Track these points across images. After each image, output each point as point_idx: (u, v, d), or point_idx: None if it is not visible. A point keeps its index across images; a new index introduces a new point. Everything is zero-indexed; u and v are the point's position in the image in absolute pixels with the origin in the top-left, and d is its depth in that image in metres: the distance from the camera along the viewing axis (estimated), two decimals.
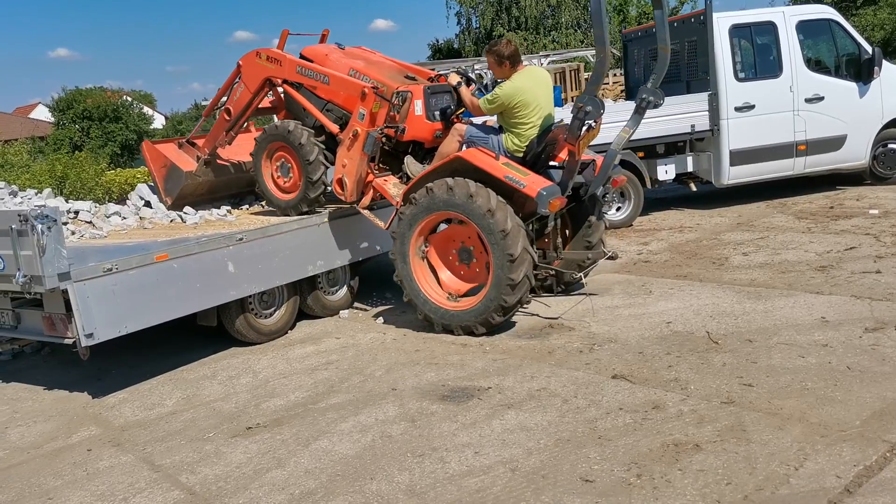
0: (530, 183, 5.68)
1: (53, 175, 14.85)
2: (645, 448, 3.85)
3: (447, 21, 43.19)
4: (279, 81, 6.94)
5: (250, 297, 6.18)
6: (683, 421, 4.11)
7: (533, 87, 6.05)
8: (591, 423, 4.20)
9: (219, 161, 7.64)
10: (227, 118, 7.29)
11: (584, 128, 5.73)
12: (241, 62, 7.10)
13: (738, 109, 9.84)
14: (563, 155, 6.05)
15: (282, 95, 7.22)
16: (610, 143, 6.49)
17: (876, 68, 10.05)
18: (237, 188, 7.92)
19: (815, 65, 10.37)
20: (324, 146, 6.67)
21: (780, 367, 4.71)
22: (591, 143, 6.15)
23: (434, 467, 3.91)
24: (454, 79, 6.50)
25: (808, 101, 9.98)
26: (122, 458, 4.49)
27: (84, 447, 4.73)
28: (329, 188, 6.74)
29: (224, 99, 7.47)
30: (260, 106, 7.42)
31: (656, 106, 6.27)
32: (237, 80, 7.19)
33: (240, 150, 7.63)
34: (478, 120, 6.78)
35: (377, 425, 4.51)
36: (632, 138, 9.39)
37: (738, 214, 9.93)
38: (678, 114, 9.75)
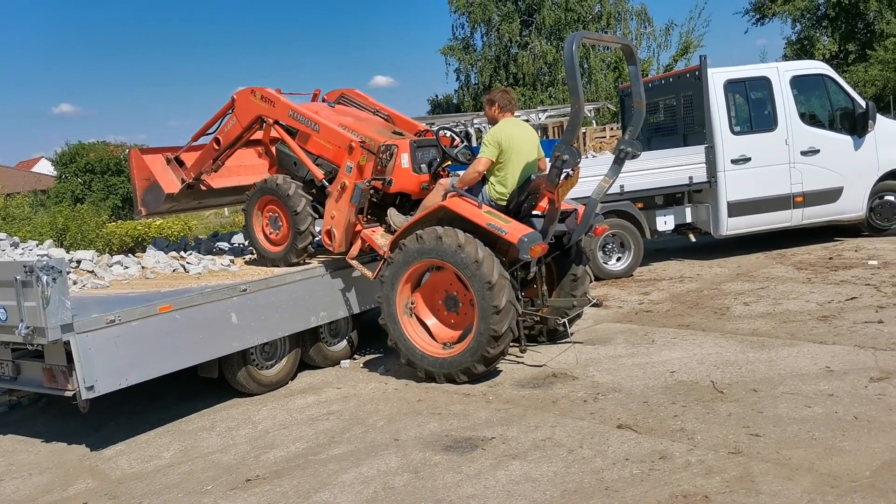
0: (512, 230, 5.79)
1: (55, 227, 14.95)
2: (653, 499, 3.79)
3: (446, 77, 44.15)
4: (271, 122, 7.06)
5: (252, 348, 6.15)
6: (691, 471, 4.05)
7: (517, 132, 6.25)
8: (598, 474, 4.14)
9: (202, 186, 7.77)
10: (216, 148, 7.43)
11: (563, 176, 5.86)
12: (235, 96, 7.24)
13: (734, 162, 9.97)
14: (545, 204, 6.21)
15: (274, 151, 7.35)
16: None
17: (870, 122, 10.21)
18: (214, 206, 8.02)
19: (809, 119, 10.54)
20: (312, 199, 6.80)
21: (787, 416, 4.66)
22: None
23: None
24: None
25: (803, 153, 10.12)
26: None
27: (80, 500, 4.64)
28: (317, 239, 6.85)
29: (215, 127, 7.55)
30: (252, 138, 7.54)
31: (634, 157, 6.45)
32: (230, 112, 7.31)
33: (224, 171, 7.77)
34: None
35: (379, 476, 4.44)
36: (632, 190, 9.70)
37: (737, 265, 9.97)
38: (676, 166, 9.89)
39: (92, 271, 6.99)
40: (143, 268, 7.22)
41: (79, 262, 7.15)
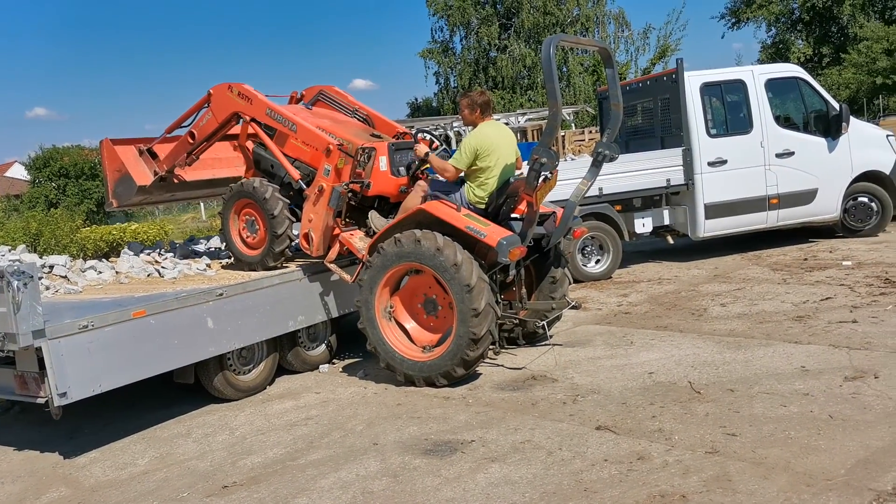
0: (490, 233, 5.79)
1: (28, 232, 14.71)
2: (631, 500, 3.79)
3: (426, 80, 43.98)
4: (247, 119, 7.01)
5: (229, 353, 6.09)
6: (669, 471, 4.06)
7: (496, 136, 6.24)
8: (577, 476, 4.14)
9: (175, 179, 7.68)
10: (190, 142, 7.35)
11: (541, 178, 5.87)
12: (211, 91, 7.15)
13: (710, 164, 10.05)
14: (524, 207, 6.21)
15: (250, 154, 7.30)
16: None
17: (844, 124, 10.34)
18: (187, 199, 7.89)
19: (784, 121, 10.67)
20: (290, 202, 6.76)
21: (763, 416, 4.70)
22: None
23: None
24: (422, 150, 6.59)
25: (778, 156, 10.23)
26: None
27: None
28: (295, 242, 6.79)
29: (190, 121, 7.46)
30: (228, 133, 7.47)
31: (612, 159, 6.48)
32: (206, 106, 7.24)
33: (198, 163, 7.68)
34: None
35: (358, 481, 4.41)
36: (610, 192, 9.75)
37: (714, 266, 10.05)
38: (654, 168, 9.95)
39: (65, 276, 6.89)
40: (117, 272, 7.12)
41: (51, 267, 7.04)
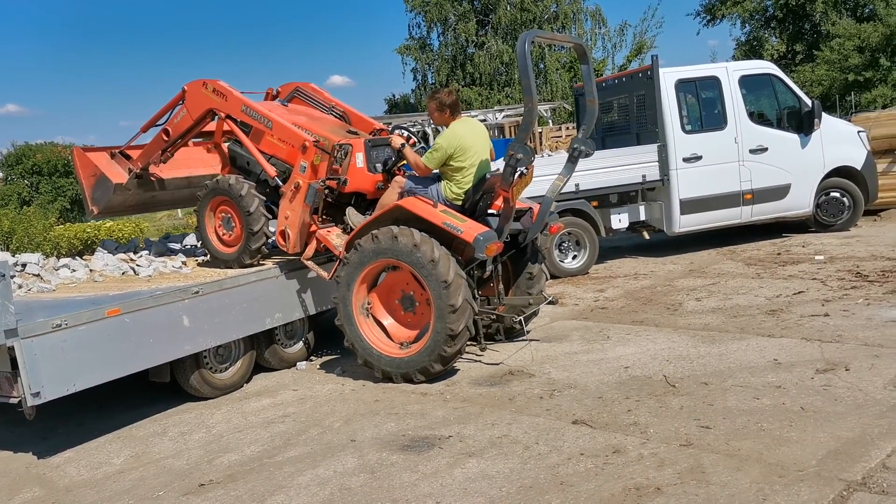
0: (467, 229, 5.80)
1: (0, 230, 14.51)
2: (607, 493, 3.83)
3: (403, 77, 44.02)
4: (223, 116, 6.96)
5: (205, 351, 6.05)
6: (644, 464, 4.11)
7: (469, 134, 6.24)
8: (553, 470, 4.17)
9: (151, 178, 7.60)
10: (165, 139, 7.30)
11: (517, 174, 5.89)
12: (186, 88, 7.10)
13: (686, 160, 10.14)
14: (500, 203, 6.24)
15: (226, 151, 7.26)
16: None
17: (816, 120, 10.48)
18: (170, 204, 7.81)
19: (758, 117, 10.78)
20: (266, 199, 6.73)
21: (736, 408, 4.76)
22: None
23: None
24: (397, 141, 6.60)
25: (752, 152, 10.35)
26: None
27: None
28: (271, 240, 6.76)
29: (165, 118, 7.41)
30: (203, 129, 7.42)
31: (587, 155, 6.50)
32: (180, 103, 7.18)
33: (174, 164, 7.63)
34: None
35: (336, 478, 4.41)
36: (587, 188, 9.81)
37: (689, 261, 10.15)
38: (629, 164, 10.02)
39: (38, 275, 6.81)
40: (91, 271, 7.05)
41: (24, 265, 6.96)
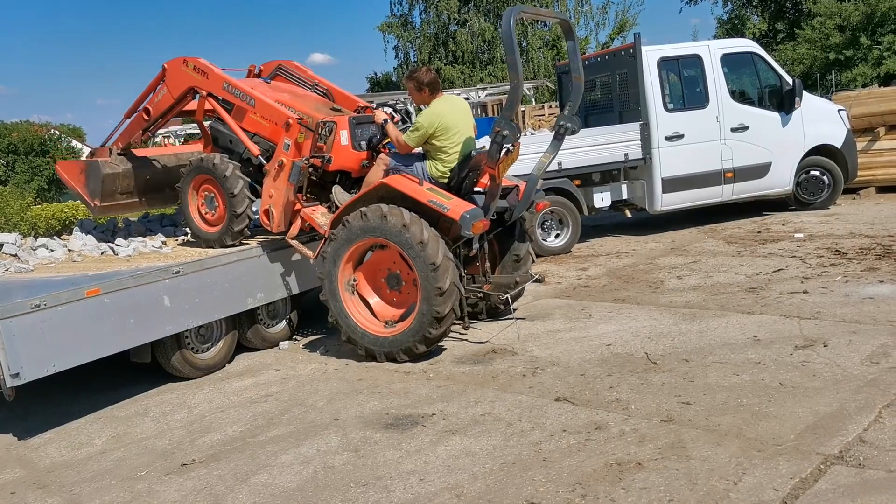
0: (453, 206, 5.77)
1: None
2: (589, 468, 3.87)
3: (385, 55, 43.65)
4: (204, 94, 6.87)
5: (187, 331, 6.01)
6: (625, 440, 4.15)
7: (451, 111, 6.18)
8: (536, 446, 4.20)
9: (136, 156, 7.56)
10: (146, 118, 7.21)
11: (503, 151, 5.86)
12: (166, 66, 7.01)
13: (668, 139, 10.17)
14: (486, 180, 6.19)
15: (208, 130, 7.17)
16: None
17: (797, 99, 10.53)
18: (166, 185, 7.62)
19: (739, 96, 10.82)
20: (250, 178, 6.65)
21: (716, 385, 4.81)
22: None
23: (378, 496, 3.85)
24: (380, 117, 6.55)
25: (733, 130, 10.39)
26: (49, 501, 4.27)
27: (7, 490, 4.49)
28: (255, 221, 6.70)
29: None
30: (184, 108, 7.34)
31: (573, 132, 6.46)
32: (161, 82, 7.08)
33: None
34: None
35: (319, 456, 4.41)
36: (569, 167, 9.81)
37: (671, 240, 10.21)
38: (612, 143, 10.03)
39: (15, 255, 6.72)
40: (69, 251, 6.96)
41: (1, 245, 6.86)
